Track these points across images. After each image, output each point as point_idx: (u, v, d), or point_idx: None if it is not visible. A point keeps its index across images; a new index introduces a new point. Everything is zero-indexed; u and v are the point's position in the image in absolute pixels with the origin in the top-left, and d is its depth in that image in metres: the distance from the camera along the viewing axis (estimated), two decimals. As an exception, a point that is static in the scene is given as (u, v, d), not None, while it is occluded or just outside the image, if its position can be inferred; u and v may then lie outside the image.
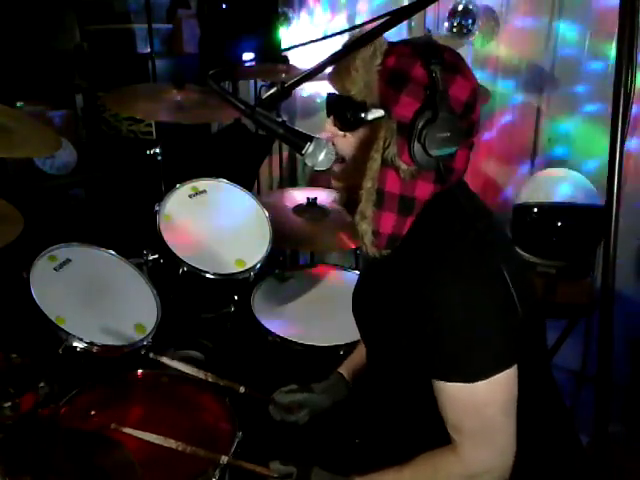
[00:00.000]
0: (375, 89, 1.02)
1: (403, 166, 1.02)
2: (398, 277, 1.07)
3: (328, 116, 1.12)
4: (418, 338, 1.03)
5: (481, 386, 0.98)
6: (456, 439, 1.03)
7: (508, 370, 0.99)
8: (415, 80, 1.00)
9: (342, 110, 1.06)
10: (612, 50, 2.38)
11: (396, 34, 1.12)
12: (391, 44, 1.05)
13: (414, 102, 1.00)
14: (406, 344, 1.07)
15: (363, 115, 1.03)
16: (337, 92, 1.08)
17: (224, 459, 1.21)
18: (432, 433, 1.06)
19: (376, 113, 1.03)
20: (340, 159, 1.10)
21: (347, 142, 1.09)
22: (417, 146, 1.00)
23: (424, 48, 1.02)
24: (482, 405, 1.00)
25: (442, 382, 1.01)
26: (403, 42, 1.07)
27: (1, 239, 1.43)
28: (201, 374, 1.40)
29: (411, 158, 1.01)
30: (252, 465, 1.20)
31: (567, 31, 2.49)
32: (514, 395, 1.01)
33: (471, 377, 0.98)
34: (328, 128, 1.11)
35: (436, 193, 1.06)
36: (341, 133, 1.09)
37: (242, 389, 1.39)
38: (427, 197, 1.06)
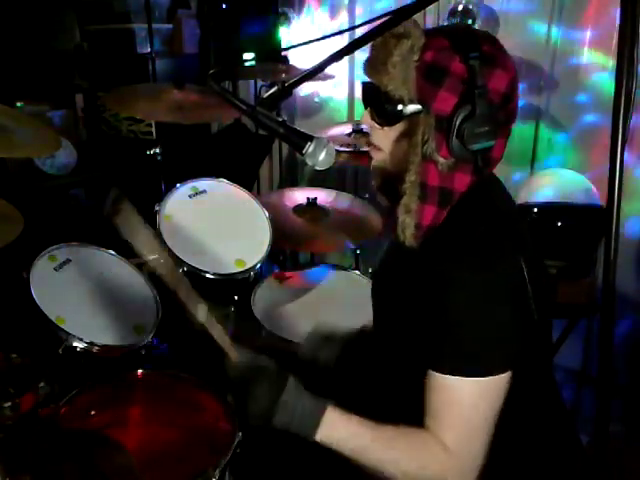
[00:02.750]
0: (413, 84, 1.01)
1: (441, 160, 1.02)
2: (423, 266, 1.07)
3: (365, 107, 1.12)
4: (427, 326, 1.03)
5: (471, 384, 0.98)
6: (431, 426, 1.01)
7: (502, 375, 0.98)
8: (454, 75, 0.99)
9: (380, 104, 1.06)
10: (613, 48, 2.38)
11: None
12: (428, 36, 1.02)
13: (453, 97, 0.99)
14: (414, 330, 1.07)
15: (401, 111, 1.03)
16: (373, 82, 1.07)
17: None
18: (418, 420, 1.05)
19: (414, 108, 1.03)
20: (377, 148, 1.12)
21: (385, 135, 1.10)
22: (455, 141, 1.00)
23: (463, 40, 1.01)
24: (466, 405, 0.99)
25: (435, 372, 1.01)
26: (441, 32, 1.04)
27: (1, 239, 1.43)
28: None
29: (450, 153, 1.01)
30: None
31: (567, 33, 2.49)
32: (498, 405, 1.00)
33: (464, 372, 0.98)
34: (365, 120, 1.12)
35: (472, 184, 1.06)
36: (378, 126, 1.10)
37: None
38: (464, 188, 1.06)
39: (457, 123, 0.98)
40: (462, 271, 0.99)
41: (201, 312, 1.02)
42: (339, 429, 1.01)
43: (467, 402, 0.99)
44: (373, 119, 1.10)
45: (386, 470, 1.01)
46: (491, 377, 0.98)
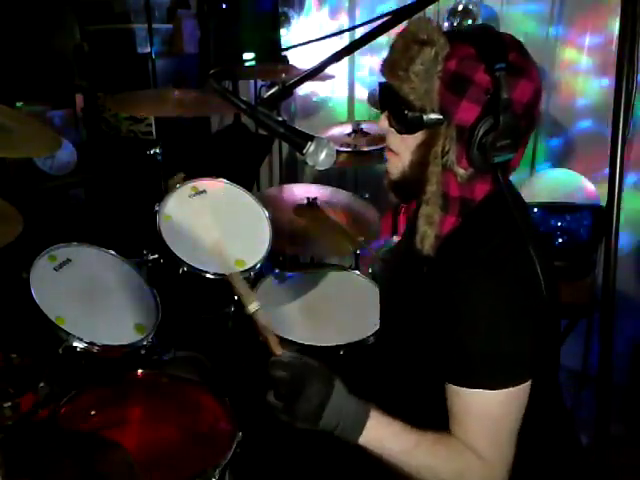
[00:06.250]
0: (435, 94, 0.98)
1: (461, 171, 1.01)
2: (437, 274, 1.05)
3: (382, 110, 1.09)
4: (443, 340, 1.01)
5: (498, 396, 0.96)
6: (460, 436, 1.00)
7: (524, 384, 0.98)
8: (477, 85, 0.96)
9: (400, 111, 1.02)
10: (612, 49, 2.38)
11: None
12: (453, 42, 0.98)
13: (475, 107, 0.96)
14: (429, 344, 1.05)
15: (422, 120, 1.00)
16: (392, 85, 1.03)
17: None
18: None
19: (435, 118, 0.99)
20: (394, 152, 1.09)
21: (402, 141, 1.07)
22: (476, 153, 0.97)
23: (489, 49, 0.97)
24: (495, 417, 0.98)
25: (458, 387, 0.99)
26: (467, 39, 1.00)
27: (1, 240, 1.43)
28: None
29: (470, 164, 1.00)
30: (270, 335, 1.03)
31: (566, 32, 2.49)
32: (522, 411, 0.99)
33: (490, 385, 0.96)
34: (382, 124, 1.09)
35: (491, 191, 1.05)
36: (396, 131, 1.07)
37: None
38: (483, 195, 1.05)
39: (479, 135, 0.96)
40: (479, 280, 0.98)
41: (253, 304, 1.07)
42: (383, 433, 0.99)
43: (497, 413, 0.98)
44: (391, 124, 1.07)
45: (423, 476, 0.99)
46: (517, 387, 0.97)
